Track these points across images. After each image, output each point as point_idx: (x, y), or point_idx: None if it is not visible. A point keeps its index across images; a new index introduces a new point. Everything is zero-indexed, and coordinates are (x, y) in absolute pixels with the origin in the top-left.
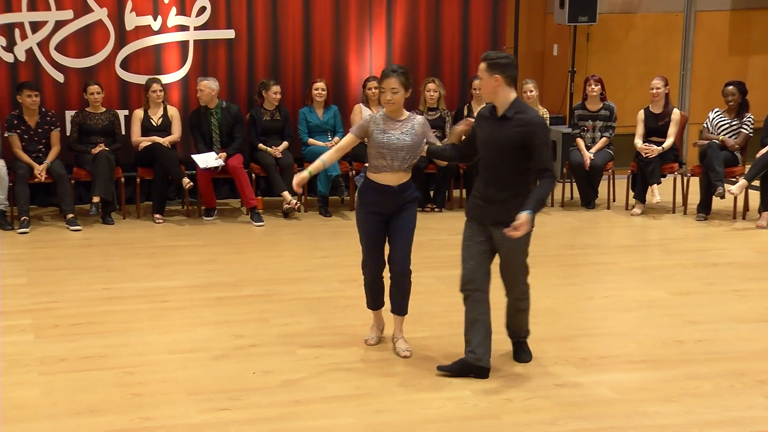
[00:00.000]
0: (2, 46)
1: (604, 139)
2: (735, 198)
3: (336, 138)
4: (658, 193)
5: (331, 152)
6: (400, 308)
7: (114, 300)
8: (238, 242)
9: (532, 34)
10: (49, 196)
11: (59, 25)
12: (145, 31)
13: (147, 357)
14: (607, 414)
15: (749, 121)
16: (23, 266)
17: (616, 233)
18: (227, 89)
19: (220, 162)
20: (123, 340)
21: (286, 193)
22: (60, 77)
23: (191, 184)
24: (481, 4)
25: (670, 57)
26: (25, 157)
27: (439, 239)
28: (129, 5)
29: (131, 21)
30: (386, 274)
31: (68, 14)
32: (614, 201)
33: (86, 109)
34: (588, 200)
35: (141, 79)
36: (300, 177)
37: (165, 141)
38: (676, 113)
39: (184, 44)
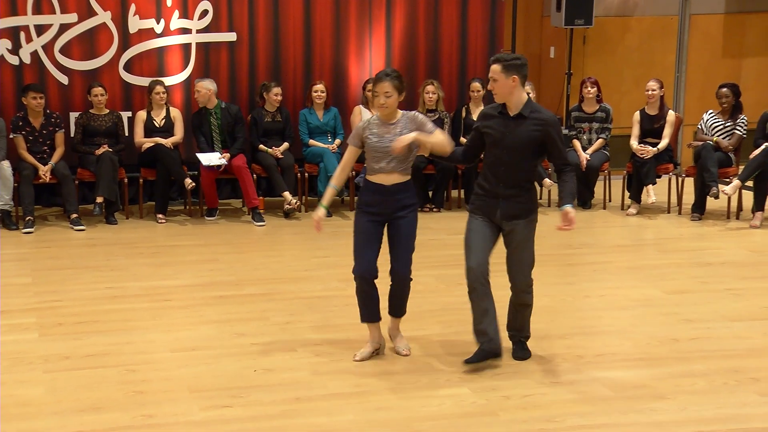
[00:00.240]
0: (7, 49)
1: (600, 140)
2: (729, 198)
3: (337, 140)
4: (653, 194)
5: (337, 173)
6: (397, 310)
7: (117, 299)
8: (240, 242)
9: (530, 37)
10: (54, 197)
11: (64, 28)
12: (148, 34)
13: (149, 355)
14: (603, 411)
15: (743, 122)
16: (28, 265)
17: (612, 233)
18: (229, 91)
19: (223, 161)
20: (126, 339)
21: (286, 194)
22: (64, 79)
23: (193, 184)
24: (479, 8)
25: (665, 59)
26: (30, 158)
27: (437, 239)
28: (132, 8)
29: (134, 24)
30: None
31: (72, 17)
32: (610, 201)
33: (90, 110)
34: (584, 200)
35: (144, 82)
36: (318, 215)
37: (167, 142)
38: (671, 115)
39: (186, 47)
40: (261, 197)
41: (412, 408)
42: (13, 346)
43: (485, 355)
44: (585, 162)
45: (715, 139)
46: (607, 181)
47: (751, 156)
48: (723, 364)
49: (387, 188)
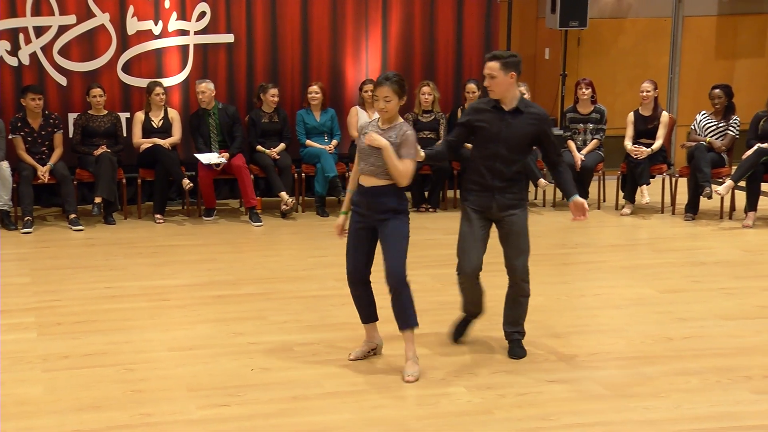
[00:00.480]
0: (7, 51)
1: (594, 141)
2: (722, 198)
3: (334, 141)
4: (647, 194)
5: (351, 177)
6: (400, 322)
7: (116, 298)
8: (238, 242)
9: (525, 38)
10: (53, 197)
11: (62, 29)
12: (147, 35)
13: (148, 354)
14: (597, 409)
15: (735, 123)
16: (27, 265)
17: (607, 233)
18: (227, 92)
19: (222, 160)
20: (124, 338)
21: (283, 194)
22: (63, 80)
23: (191, 185)
24: (475, 9)
25: (659, 61)
26: (29, 159)
27: (433, 239)
28: (131, 10)
29: (133, 26)
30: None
31: (71, 19)
32: (604, 201)
33: (89, 111)
34: None
35: (142, 83)
36: (339, 222)
37: (165, 143)
38: (664, 116)
39: (184, 48)
40: (258, 197)
41: (408, 407)
42: (12, 345)
43: (466, 326)
44: (580, 162)
45: (708, 139)
46: (602, 182)
47: (744, 156)
48: (716, 363)
49: (367, 189)
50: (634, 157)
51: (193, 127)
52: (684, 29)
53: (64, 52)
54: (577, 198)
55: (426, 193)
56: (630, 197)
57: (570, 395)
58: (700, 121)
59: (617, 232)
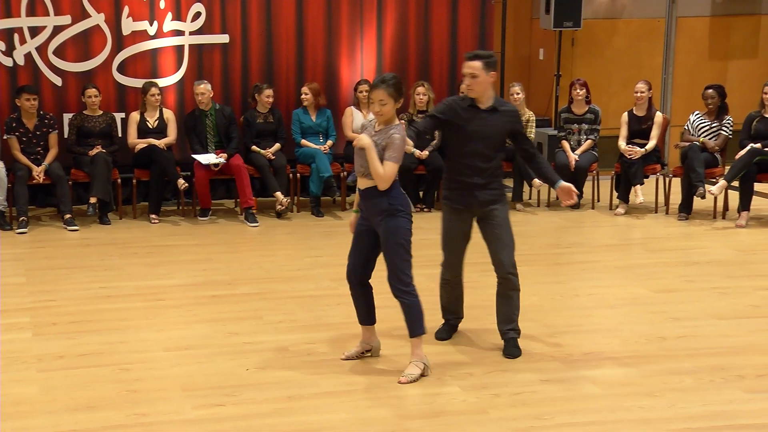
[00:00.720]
0: (1, 51)
1: (589, 141)
2: (715, 198)
3: (329, 141)
4: (641, 194)
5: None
6: (408, 327)
7: (111, 298)
8: (233, 242)
9: (519, 39)
10: (48, 197)
11: (57, 30)
12: (142, 35)
13: (143, 354)
14: (592, 409)
15: (728, 123)
16: (22, 265)
17: (601, 232)
18: (222, 92)
19: (221, 160)
20: (120, 338)
21: (278, 194)
22: (58, 81)
23: (186, 185)
24: (469, 10)
25: (653, 61)
26: (24, 159)
27: (428, 238)
28: (126, 11)
29: (128, 26)
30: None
31: (66, 19)
32: (599, 201)
33: (84, 112)
34: None
35: (138, 83)
36: (352, 219)
37: (161, 143)
38: (658, 116)
39: (179, 49)
40: (254, 198)
41: (403, 406)
42: (7, 345)
43: (453, 330)
44: (574, 162)
45: (701, 139)
46: (596, 182)
47: (737, 156)
48: (709, 362)
49: (362, 191)
50: (628, 157)
51: (188, 127)
52: (677, 30)
53: (60, 52)
54: (563, 183)
55: (421, 193)
56: (624, 197)
57: (564, 394)
58: (694, 121)
59: (611, 231)
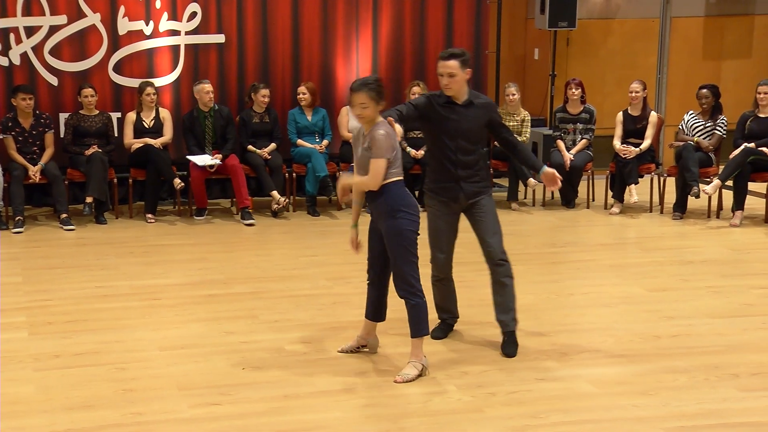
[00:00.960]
0: None
1: (584, 140)
2: (709, 197)
3: (325, 141)
4: (635, 193)
5: (354, 191)
6: (411, 328)
7: (107, 297)
8: (229, 241)
9: (514, 39)
10: (44, 197)
11: (53, 29)
12: (138, 35)
13: (139, 353)
14: (586, 407)
15: (723, 123)
16: (18, 265)
17: (595, 232)
18: (218, 92)
19: (216, 161)
20: (116, 337)
21: (274, 193)
22: (54, 80)
23: (182, 184)
24: (465, 10)
25: (647, 61)
26: (20, 159)
27: (423, 238)
28: (122, 10)
29: (124, 26)
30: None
31: (62, 19)
32: (593, 200)
33: (80, 111)
34: (568, 200)
35: (134, 83)
36: (352, 236)
37: (157, 143)
38: (653, 116)
39: (175, 48)
40: (250, 197)
41: (398, 405)
42: (3, 344)
43: (449, 329)
44: (569, 162)
45: (695, 139)
46: (591, 181)
47: (731, 156)
48: (704, 361)
49: (367, 193)
50: (623, 156)
51: (186, 127)
52: (672, 30)
53: (55, 52)
54: (547, 168)
55: (416, 193)
56: (619, 196)
57: (559, 393)
58: (688, 121)
59: (606, 231)
